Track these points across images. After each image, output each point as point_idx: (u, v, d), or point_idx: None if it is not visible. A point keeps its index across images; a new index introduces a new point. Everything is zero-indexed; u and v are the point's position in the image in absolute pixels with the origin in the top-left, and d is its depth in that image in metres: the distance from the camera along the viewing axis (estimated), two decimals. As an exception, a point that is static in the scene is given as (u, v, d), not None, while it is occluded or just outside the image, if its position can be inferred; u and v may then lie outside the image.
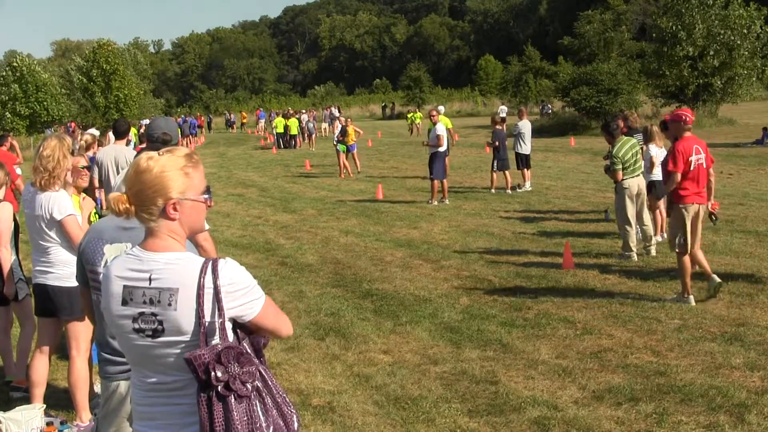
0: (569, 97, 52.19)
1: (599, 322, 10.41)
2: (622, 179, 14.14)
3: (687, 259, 11.23)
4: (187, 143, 58.32)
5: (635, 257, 14.10)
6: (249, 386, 3.38)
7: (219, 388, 3.30)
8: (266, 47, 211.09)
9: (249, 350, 3.47)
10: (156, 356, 3.44)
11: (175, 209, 3.47)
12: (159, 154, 3.53)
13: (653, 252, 14.13)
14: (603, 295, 11.71)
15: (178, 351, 3.40)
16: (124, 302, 3.45)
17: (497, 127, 25.95)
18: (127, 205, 3.45)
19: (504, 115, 56.72)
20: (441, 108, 36.64)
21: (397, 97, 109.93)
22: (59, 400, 8.26)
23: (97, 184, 12.27)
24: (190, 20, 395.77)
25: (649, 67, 54.67)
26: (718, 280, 11.30)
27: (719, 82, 50.80)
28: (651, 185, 14.95)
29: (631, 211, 14.11)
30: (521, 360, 9.10)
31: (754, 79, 52.94)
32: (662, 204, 15.16)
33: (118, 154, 12.14)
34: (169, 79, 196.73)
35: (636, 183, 14.18)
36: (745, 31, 50.11)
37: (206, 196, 3.61)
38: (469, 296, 12.04)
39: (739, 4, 50.79)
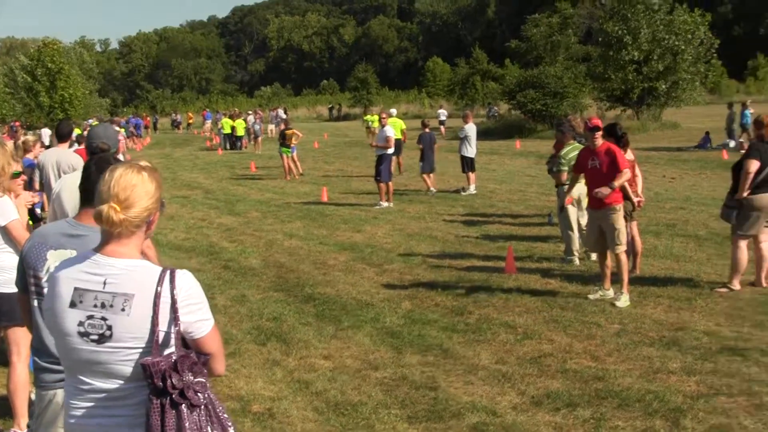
0: (515, 99, 52.37)
1: (540, 327, 10.47)
2: (565, 184, 14.23)
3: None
4: (132, 144, 57.92)
5: (577, 261, 14.21)
6: (201, 396, 3.41)
7: (174, 395, 3.32)
8: (214, 47, 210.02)
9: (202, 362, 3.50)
10: (99, 362, 3.43)
11: (155, 218, 3.61)
12: (140, 164, 3.61)
13: (594, 256, 14.21)
14: (544, 300, 11.79)
15: (125, 358, 3.40)
16: (72, 304, 3.44)
17: (426, 130, 26.33)
18: (122, 216, 3.44)
19: (444, 118, 57.58)
20: (393, 111, 36.86)
21: (344, 99, 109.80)
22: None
23: (38, 186, 12.14)
24: (137, 19, 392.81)
25: (594, 70, 55.14)
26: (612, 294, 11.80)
27: (663, 86, 51.30)
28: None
29: (573, 216, 14.22)
30: (461, 365, 9.12)
31: (697, 83, 53.50)
32: None
33: (60, 158, 12.02)
34: (116, 79, 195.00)
35: (578, 189, 14.27)
36: (689, 36, 50.66)
37: (163, 207, 3.71)
38: (411, 301, 12.06)
39: (684, 9, 51.37)
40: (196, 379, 3.41)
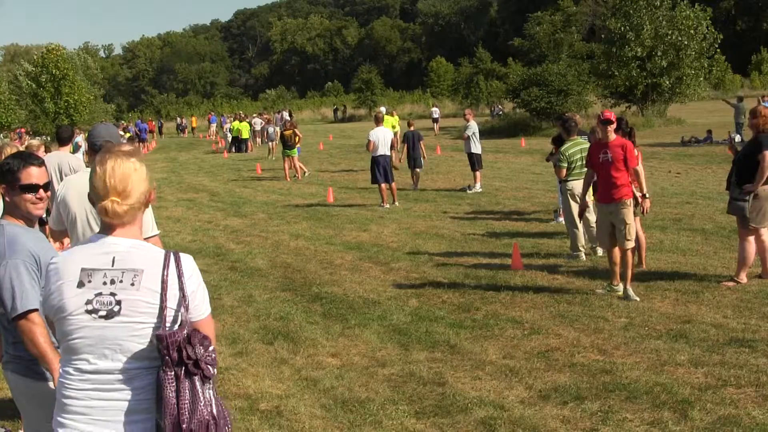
0: (520, 98, 52.29)
1: (547, 322, 10.47)
2: (567, 180, 14.23)
3: None
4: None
5: (583, 257, 14.19)
6: (212, 369, 3.51)
7: (189, 365, 3.41)
8: (217, 51, 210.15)
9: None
10: (107, 338, 3.48)
11: (152, 197, 3.73)
12: (124, 150, 3.69)
13: (600, 252, 14.20)
14: (551, 295, 11.79)
15: (134, 333, 3.47)
16: (80, 285, 3.52)
17: (410, 128, 27.21)
18: (126, 206, 3.57)
19: (436, 116, 58.66)
20: (382, 108, 37.10)
21: (348, 100, 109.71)
22: (5, 410, 8.17)
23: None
24: (140, 24, 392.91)
25: (598, 67, 55.15)
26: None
27: (667, 82, 51.23)
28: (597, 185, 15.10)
29: (576, 212, 14.19)
30: (469, 361, 9.12)
31: (701, 78, 53.45)
32: None
33: (61, 161, 12.08)
34: (120, 84, 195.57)
35: (580, 185, 14.23)
36: (692, 31, 50.61)
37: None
38: (418, 298, 12.07)
39: (686, 5, 51.31)
40: (208, 353, 3.51)
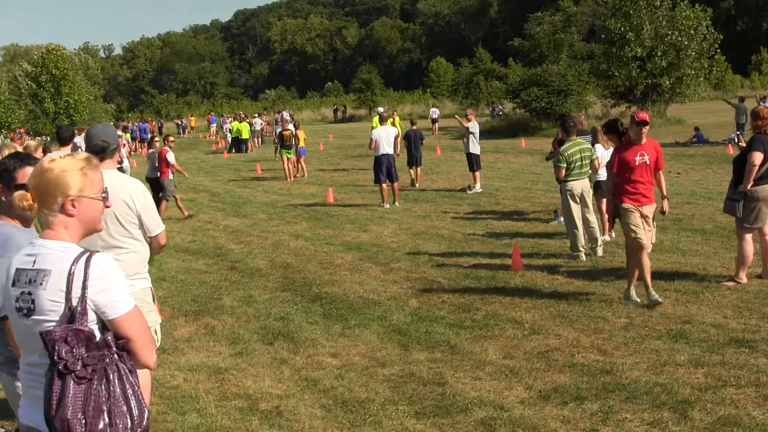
0: (520, 98, 52.28)
1: (547, 322, 10.46)
2: (566, 180, 14.19)
3: None
4: (137, 148, 57.99)
5: (583, 257, 14.17)
6: (90, 369, 3.58)
7: (60, 366, 3.54)
8: (217, 51, 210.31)
9: (110, 341, 3.69)
10: (32, 335, 3.70)
11: (73, 205, 3.79)
12: (61, 156, 3.86)
13: (600, 252, 14.21)
14: (551, 296, 11.78)
15: (45, 331, 3.62)
16: (14, 284, 3.76)
17: (413, 128, 27.77)
18: (30, 202, 3.76)
19: (435, 116, 59.15)
20: (380, 109, 37.33)
21: (348, 101, 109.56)
22: (5, 410, 8.16)
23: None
24: (140, 25, 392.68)
25: (598, 68, 55.08)
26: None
27: (667, 83, 51.16)
28: (597, 186, 15.13)
29: (576, 212, 14.17)
30: (469, 361, 9.11)
31: (701, 79, 53.41)
32: (604, 205, 15.46)
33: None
34: (120, 84, 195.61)
35: (580, 185, 14.22)
36: (692, 32, 50.60)
37: (103, 195, 3.93)
38: (418, 298, 12.05)
39: (686, 5, 51.29)
40: (88, 353, 3.60)
